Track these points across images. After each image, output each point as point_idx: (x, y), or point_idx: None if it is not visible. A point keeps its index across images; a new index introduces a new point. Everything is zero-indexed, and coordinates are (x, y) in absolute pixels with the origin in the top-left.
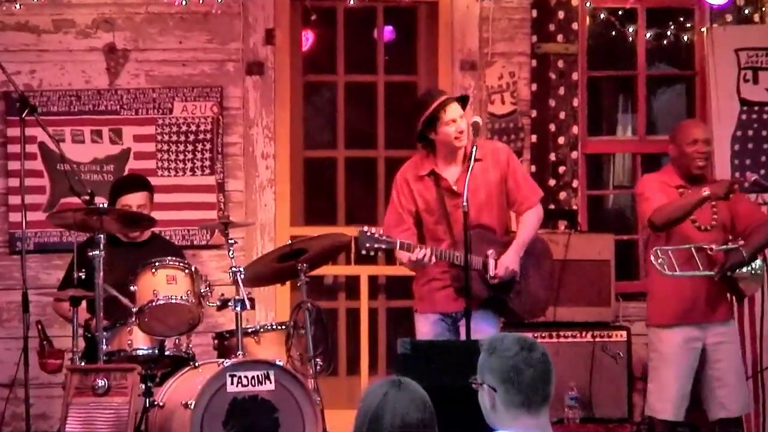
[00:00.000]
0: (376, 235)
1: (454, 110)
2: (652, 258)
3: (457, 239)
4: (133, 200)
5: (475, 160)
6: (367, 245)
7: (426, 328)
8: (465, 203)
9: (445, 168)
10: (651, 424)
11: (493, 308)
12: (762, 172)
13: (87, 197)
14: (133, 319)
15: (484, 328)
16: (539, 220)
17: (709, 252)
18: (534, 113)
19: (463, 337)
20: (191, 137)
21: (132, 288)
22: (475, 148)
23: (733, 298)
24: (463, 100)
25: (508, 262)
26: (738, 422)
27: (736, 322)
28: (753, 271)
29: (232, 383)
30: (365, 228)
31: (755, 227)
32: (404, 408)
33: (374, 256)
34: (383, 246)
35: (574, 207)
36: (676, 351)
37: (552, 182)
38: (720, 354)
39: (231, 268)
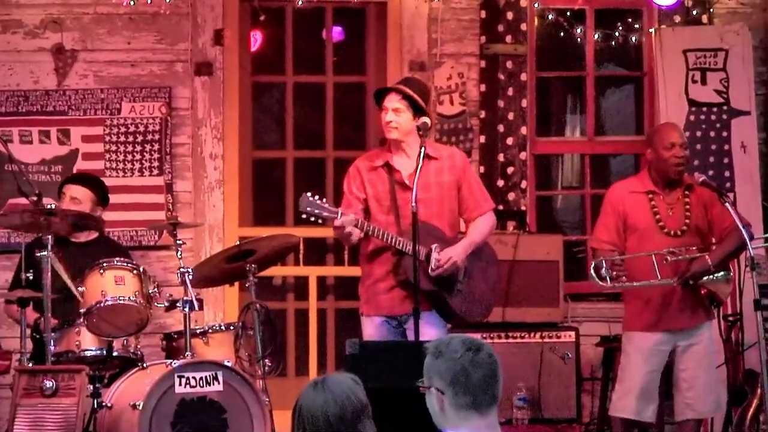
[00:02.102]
0: (318, 202)
1: (389, 100)
2: (591, 269)
3: (404, 231)
4: (71, 191)
5: (430, 157)
6: (308, 209)
7: (371, 330)
8: (413, 204)
9: (400, 161)
10: (600, 425)
11: (437, 308)
12: (710, 172)
13: (35, 198)
14: (81, 319)
15: (430, 331)
16: (491, 227)
17: (664, 262)
18: (483, 114)
19: (410, 338)
20: (140, 138)
21: (80, 288)
22: (423, 148)
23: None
24: (416, 106)
25: (454, 254)
26: (698, 424)
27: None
28: (714, 278)
29: (180, 384)
30: (309, 193)
31: (726, 234)
32: (313, 407)
33: (315, 222)
34: (324, 213)
35: (523, 208)
36: (641, 353)
37: (501, 183)
38: (690, 356)
39: (179, 268)
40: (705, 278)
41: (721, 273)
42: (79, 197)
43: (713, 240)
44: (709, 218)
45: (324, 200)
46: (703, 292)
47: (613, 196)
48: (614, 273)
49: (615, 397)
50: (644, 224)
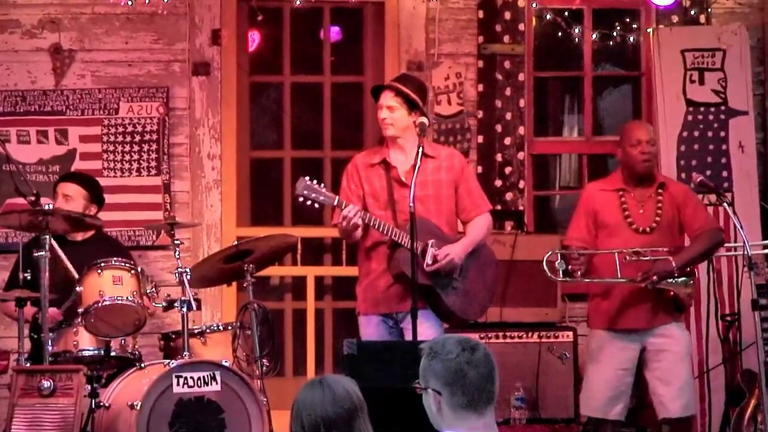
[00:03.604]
0: (315, 186)
1: (383, 97)
2: (545, 261)
3: (401, 227)
4: (63, 189)
5: (428, 156)
6: (305, 193)
7: (369, 330)
8: (411, 204)
9: (397, 158)
10: (596, 425)
11: (432, 305)
12: (708, 172)
13: (33, 198)
14: (79, 319)
15: (428, 331)
16: (489, 227)
17: (623, 260)
18: (480, 114)
19: (407, 338)
20: (137, 138)
21: (78, 288)
22: (421, 147)
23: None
24: (411, 103)
25: (452, 251)
26: (686, 423)
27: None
28: (674, 282)
29: (178, 384)
30: (306, 177)
31: (695, 236)
32: (310, 406)
33: (311, 206)
34: (321, 198)
35: (521, 207)
36: (606, 351)
37: (498, 183)
38: (660, 355)
39: (177, 268)
40: (668, 280)
41: (682, 279)
42: (71, 194)
43: (685, 241)
44: (681, 218)
45: (322, 185)
46: (671, 294)
47: (584, 194)
48: (569, 267)
49: (581, 396)
50: (613, 221)
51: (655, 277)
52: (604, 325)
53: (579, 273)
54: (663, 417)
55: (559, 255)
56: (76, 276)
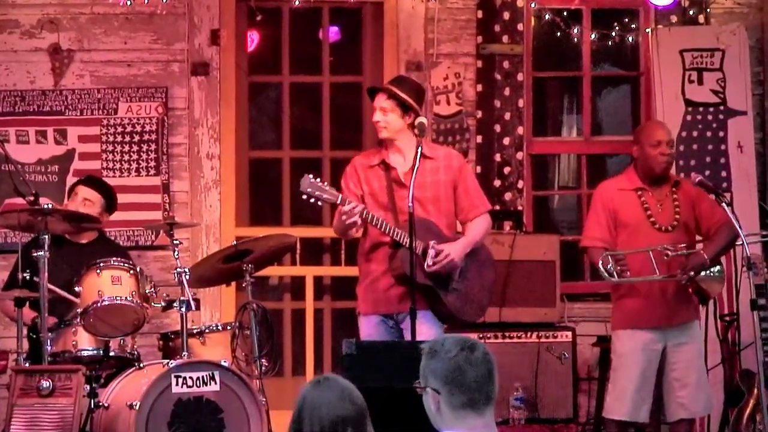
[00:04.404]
0: (319, 183)
1: (377, 100)
2: (600, 265)
3: (401, 227)
4: (83, 192)
5: (426, 157)
6: (309, 190)
7: (369, 330)
8: (410, 204)
9: (395, 159)
10: (597, 424)
11: (432, 306)
12: (707, 172)
13: (32, 198)
14: (78, 319)
15: (427, 331)
16: (488, 227)
17: (665, 257)
18: (479, 114)
19: (407, 338)
20: (136, 138)
21: (77, 288)
22: (420, 148)
23: (698, 300)
24: (405, 106)
25: (452, 250)
26: (689, 423)
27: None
28: (711, 273)
29: (177, 384)
30: (311, 175)
31: (717, 229)
32: (324, 405)
33: (315, 203)
34: (324, 195)
35: (520, 207)
36: (633, 352)
37: (497, 183)
38: (680, 355)
39: (176, 268)
40: (702, 273)
41: (717, 268)
42: (92, 199)
43: (699, 237)
44: (696, 214)
45: (326, 183)
46: (690, 289)
47: (602, 194)
48: (618, 268)
49: (608, 399)
50: (635, 220)
51: (692, 272)
52: (630, 324)
53: (628, 273)
54: (681, 417)
55: (610, 257)
56: (73, 298)
